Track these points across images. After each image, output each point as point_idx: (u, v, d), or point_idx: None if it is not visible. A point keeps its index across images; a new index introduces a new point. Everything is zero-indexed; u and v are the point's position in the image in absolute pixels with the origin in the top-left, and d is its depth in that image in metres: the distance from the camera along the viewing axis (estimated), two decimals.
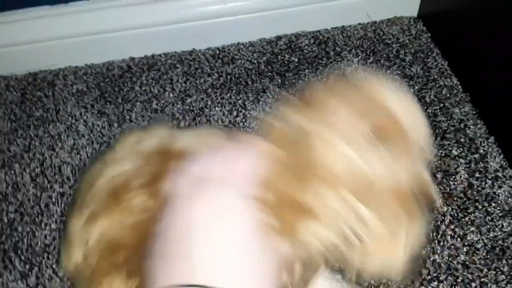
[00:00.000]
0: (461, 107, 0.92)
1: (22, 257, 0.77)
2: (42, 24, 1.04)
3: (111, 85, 1.02)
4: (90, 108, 0.98)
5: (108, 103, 0.99)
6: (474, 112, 0.91)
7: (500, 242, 0.74)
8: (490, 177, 0.81)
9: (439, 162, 0.84)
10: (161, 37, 1.07)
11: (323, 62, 1.02)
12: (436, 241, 0.73)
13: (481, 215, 0.76)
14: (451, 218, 0.76)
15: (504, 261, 0.71)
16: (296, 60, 1.03)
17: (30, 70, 1.07)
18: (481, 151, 0.85)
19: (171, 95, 1.00)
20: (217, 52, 1.08)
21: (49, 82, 1.03)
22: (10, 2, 1.02)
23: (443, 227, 0.75)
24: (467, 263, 0.71)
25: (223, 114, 0.95)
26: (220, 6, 1.07)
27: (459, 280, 0.69)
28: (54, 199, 0.84)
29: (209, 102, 0.98)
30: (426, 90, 0.95)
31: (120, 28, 1.06)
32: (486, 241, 0.74)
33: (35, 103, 0.99)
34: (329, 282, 0.58)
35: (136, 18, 1.06)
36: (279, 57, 1.04)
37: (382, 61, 1.02)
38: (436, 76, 0.98)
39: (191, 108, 0.97)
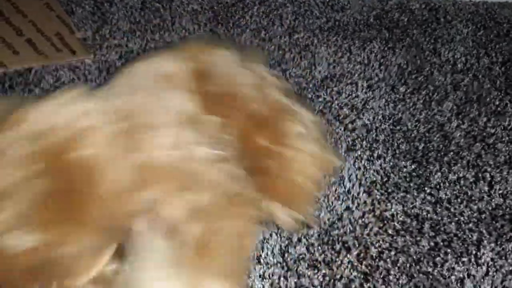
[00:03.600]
0: None
1: None
2: None
3: (224, 11, 1.07)
4: (203, 26, 1.04)
5: (220, 25, 1.04)
6: None
7: None
8: None
9: None
10: None
11: (433, 26, 1.04)
12: None
13: None
14: None
15: None
16: (406, 19, 1.05)
17: None
18: None
19: (279, 29, 1.04)
20: (327, 0, 1.11)
21: None
22: None
23: None
24: None
25: (328, 54, 0.98)
26: None
27: None
28: None
29: (315, 41, 1.01)
30: None
31: None
32: None
33: (153, 12, 1.06)
34: None
35: None
36: (389, 14, 1.07)
37: (491, 36, 1.02)
38: None
39: (298, 43, 1.01)
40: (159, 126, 0.50)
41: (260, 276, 0.63)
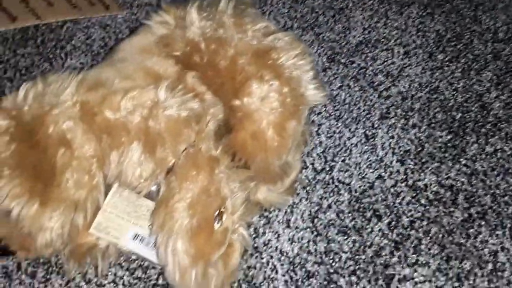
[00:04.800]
0: None
1: None
2: None
3: None
4: None
5: None
6: None
7: None
8: None
9: None
10: None
11: None
12: None
13: None
14: None
15: None
16: None
17: None
18: None
19: None
20: None
21: None
22: None
23: None
24: None
25: (363, 18, 0.95)
26: None
27: None
28: None
29: (350, 4, 0.98)
30: None
31: None
32: None
33: None
34: None
35: None
36: None
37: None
38: None
39: (332, 6, 0.97)
40: (135, 88, 0.53)
41: (289, 239, 0.64)
